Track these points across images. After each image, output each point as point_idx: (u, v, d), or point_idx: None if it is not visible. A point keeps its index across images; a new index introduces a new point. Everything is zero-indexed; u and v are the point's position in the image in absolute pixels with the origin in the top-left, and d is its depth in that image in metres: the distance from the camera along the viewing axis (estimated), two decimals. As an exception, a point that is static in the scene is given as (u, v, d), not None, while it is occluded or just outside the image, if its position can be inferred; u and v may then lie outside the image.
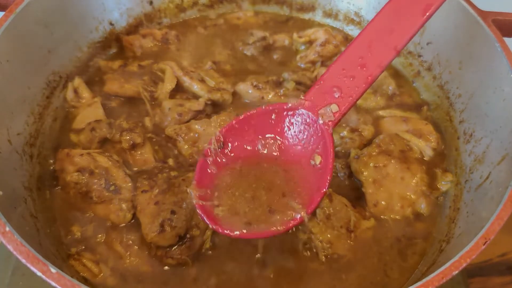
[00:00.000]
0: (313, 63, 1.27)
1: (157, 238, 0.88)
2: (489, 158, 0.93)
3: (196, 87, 1.14)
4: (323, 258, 0.90)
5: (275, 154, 0.86)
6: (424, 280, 0.66)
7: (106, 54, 1.29)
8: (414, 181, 0.99)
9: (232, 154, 0.87)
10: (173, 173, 1.00)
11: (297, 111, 0.84)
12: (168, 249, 0.89)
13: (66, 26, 1.14)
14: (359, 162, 1.01)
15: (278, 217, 0.80)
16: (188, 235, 0.90)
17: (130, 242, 0.92)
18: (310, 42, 1.32)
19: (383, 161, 1.00)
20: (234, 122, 0.88)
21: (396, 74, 1.29)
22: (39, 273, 0.65)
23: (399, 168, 0.99)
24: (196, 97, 1.14)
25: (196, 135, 1.05)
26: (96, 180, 0.96)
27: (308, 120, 0.84)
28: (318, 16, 1.44)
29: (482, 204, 0.88)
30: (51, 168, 1.03)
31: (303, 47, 1.33)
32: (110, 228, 0.94)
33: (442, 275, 0.67)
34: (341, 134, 1.07)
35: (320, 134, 0.83)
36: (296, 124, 0.85)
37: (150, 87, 1.15)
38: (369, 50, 0.82)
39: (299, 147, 0.86)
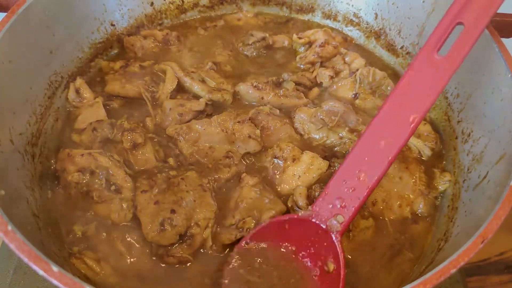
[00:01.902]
0: (313, 63, 1.28)
1: (158, 237, 0.89)
2: (487, 158, 0.94)
3: (196, 87, 1.14)
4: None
5: (289, 262, 0.90)
6: (422, 279, 0.66)
7: (107, 55, 1.30)
8: (412, 180, 1.00)
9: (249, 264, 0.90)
10: (172, 173, 1.00)
11: (308, 222, 0.89)
12: (169, 247, 0.90)
13: (68, 27, 1.14)
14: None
15: None
16: (188, 233, 0.90)
17: (131, 241, 0.92)
18: (309, 43, 1.32)
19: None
20: (249, 234, 0.91)
21: (395, 75, 1.30)
22: (41, 272, 0.65)
23: (398, 167, 1.00)
24: (196, 97, 1.14)
25: (197, 135, 1.06)
26: (97, 180, 0.97)
27: (318, 231, 0.88)
28: (317, 17, 1.45)
29: (480, 203, 0.88)
30: (53, 168, 1.03)
31: (302, 48, 1.33)
32: (111, 227, 0.94)
33: (440, 274, 0.67)
34: (340, 135, 1.08)
35: (330, 242, 0.87)
36: (307, 233, 0.90)
37: (151, 88, 1.15)
38: (364, 163, 0.87)
39: (310, 256, 0.90)
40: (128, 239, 0.93)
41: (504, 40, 0.98)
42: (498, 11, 1.01)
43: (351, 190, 0.87)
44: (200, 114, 1.11)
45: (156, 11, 1.37)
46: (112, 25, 1.29)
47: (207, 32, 1.38)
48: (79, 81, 1.16)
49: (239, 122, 1.06)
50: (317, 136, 1.10)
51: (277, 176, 1.02)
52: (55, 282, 0.64)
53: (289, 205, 0.97)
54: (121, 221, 0.94)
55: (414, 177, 1.00)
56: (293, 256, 0.90)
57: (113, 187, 0.96)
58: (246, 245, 0.90)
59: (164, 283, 0.89)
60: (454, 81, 1.12)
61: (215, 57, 1.29)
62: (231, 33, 1.38)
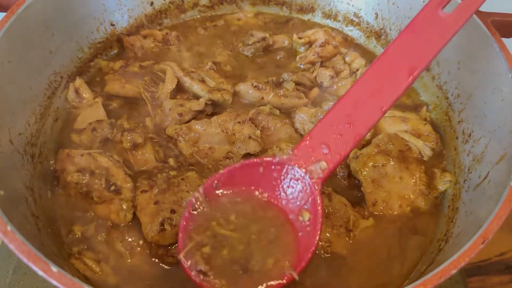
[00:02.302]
0: (313, 63, 1.28)
1: (158, 237, 0.88)
2: (487, 158, 0.94)
3: (196, 87, 1.14)
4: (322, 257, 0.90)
5: (262, 208, 0.84)
6: (422, 279, 0.66)
7: (107, 55, 1.30)
8: (413, 180, 0.99)
9: (217, 206, 0.85)
10: (172, 173, 1.00)
11: (286, 166, 0.83)
12: (169, 247, 0.90)
13: (67, 26, 1.14)
14: (358, 162, 1.02)
15: (265, 277, 0.77)
16: None
17: (131, 241, 0.92)
18: (309, 43, 1.32)
19: (382, 161, 1.00)
20: (219, 173, 0.86)
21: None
22: (40, 272, 0.65)
23: (398, 167, 1.00)
24: (196, 97, 1.14)
25: (197, 135, 1.05)
26: (96, 180, 0.96)
27: (297, 176, 0.83)
28: (317, 17, 1.45)
29: (481, 204, 0.88)
30: (52, 168, 1.03)
31: (302, 48, 1.33)
32: (111, 228, 0.94)
33: (441, 274, 0.67)
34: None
35: (308, 190, 0.82)
36: (284, 178, 0.84)
37: (151, 88, 1.15)
38: (355, 109, 0.81)
39: (288, 202, 0.84)
40: (128, 239, 0.92)
41: (504, 40, 0.97)
42: (498, 11, 1.02)
43: (338, 136, 0.81)
44: (199, 114, 1.11)
45: (156, 11, 1.37)
46: (112, 25, 1.29)
47: (207, 32, 1.38)
48: (78, 81, 1.16)
49: (239, 122, 1.06)
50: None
51: None
52: (54, 282, 0.64)
53: None
54: (121, 221, 0.94)
55: (414, 177, 1.00)
56: (268, 204, 0.84)
57: (112, 187, 0.96)
58: (215, 186, 0.84)
59: (164, 283, 0.88)
60: (455, 81, 1.12)
61: (215, 57, 1.29)
62: (231, 33, 1.38)
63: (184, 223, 0.82)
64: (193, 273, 0.77)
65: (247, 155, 1.05)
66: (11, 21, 0.94)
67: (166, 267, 0.90)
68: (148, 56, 1.28)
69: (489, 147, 0.94)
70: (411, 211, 0.99)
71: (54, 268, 0.65)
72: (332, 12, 1.42)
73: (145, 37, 1.30)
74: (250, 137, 1.04)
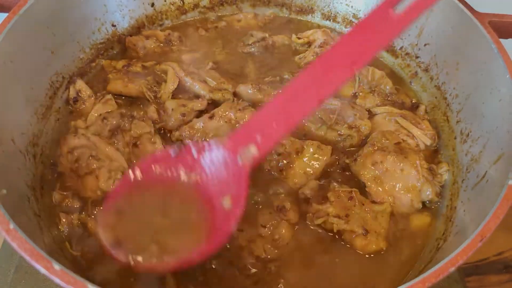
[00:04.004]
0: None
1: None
2: (485, 158, 0.94)
3: (197, 87, 1.15)
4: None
5: (188, 187, 0.85)
6: (420, 277, 0.67)
7: (108, 55, 1.30)
8: (414, 169, 0.99)
9: (147, 183, 0.86)
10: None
11: (217, 149, 0.84)
12: None
13: (69, 27, 1.15)
14: (357, 164, 1.02)
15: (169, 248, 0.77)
16: None
17: None
18: (308, 43, 1.33)
19: (380, 158, 1.00)
20: (156, 154, 0.88)
21: (393, 75, 1.30)
22: (43, 270, 0.65)
23: (397, 159, 0.99)
24: (198, 97, 1.15)
25: (201, 132, 1.06)
26: (86, 151, 0.97)
27: (227, 160, 0.83)
28: (317, 18, 1.46)
29: (479, 203, 0.89)
30: (51, 161, 1.04)
31: (302, 48, 1.34)
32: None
33: (439, 272, 0.68)
34: (339, 132, 1.08)
35: (237, 175, 0.82)
36: (214, 162, 0.85)
37: (154, 87, 1.16)
38: (294, 99, 0.82)
39: (214, 185, 0.84)
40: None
41: (502, 41, 0.98)
42: (497, 12, 1.03)
43: (273, 124, 0.81)
44: (201, 114, 1.12)
45: (157, 12, 1.38)
46: (113, 25, 1.29)
47: (208, 32, 1.38)
48: (80, 82, 1.16)
49: (239, 110, 1.07)
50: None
51: (284, 173, 1.02)
52: (57, 280, 0.64)
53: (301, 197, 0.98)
54: (108, 187, 0.94)
55: (415, 164, 0.99)
56: (195, 187, 0.85)
57: (101, 157, 0.96)
58: (150, 165, 0.85)
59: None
60: (453, 82, 1.13)
61: (215, 57, 1.30)
62: (231, 34, 1.39)
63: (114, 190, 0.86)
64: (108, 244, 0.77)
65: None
66: (12, 22, 0.94)
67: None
68: (150, 56, 1.28)
69: (487, 146, 0.95)
70: (419, 201, 0.99)
71: (57, 266, 0.65)
72: (331, 13, 1.43)
73: (147, 37, 1.30)
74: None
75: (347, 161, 1.05)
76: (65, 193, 0.97)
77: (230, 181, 0.82)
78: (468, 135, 1.04)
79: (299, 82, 0.83)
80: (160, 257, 0.76)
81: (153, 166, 0.86)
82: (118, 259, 0.75)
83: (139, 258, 0.75)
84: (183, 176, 0.85)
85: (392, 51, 1.33)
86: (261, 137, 0.81)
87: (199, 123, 1.06)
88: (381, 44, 0.83)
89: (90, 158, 0.96)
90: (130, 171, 0.85)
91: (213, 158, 0.84)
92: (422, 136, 1.08)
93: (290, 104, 0.82)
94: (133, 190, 0.84)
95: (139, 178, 0.85)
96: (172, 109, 1.10)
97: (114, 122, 1.04)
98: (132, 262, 0.75)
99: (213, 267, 0.90)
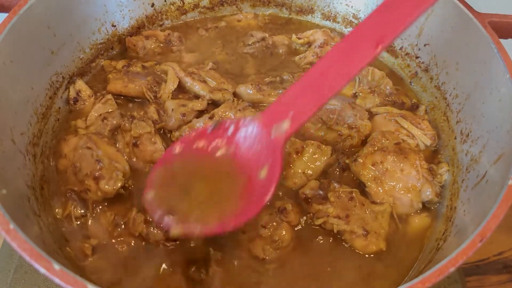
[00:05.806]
0: (312, 64, 1.28)
1: None
2: (485, 158, 0.94)
3: (197, 87, 1.15)
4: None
5: (226, 160, 0.89)
6: (420, 277, 0.67)
7: (108, 56, 1.30)
8: (414, 169, 0.99)
9: (187, 158, 0.91)
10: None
11: (252, 125, 0.88)
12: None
13: (69, 27, 1.15)
14: (357, 164, 1.02)
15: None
16: None
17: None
18: (308, 44, 1.33)
19: (380, 158, 1.00)
20: (197, 132, 0.92)
21: (393, 75, 1.30)
22: (43, 270, 0.65)
23: (397, 159, 1.00)
24: (198, 97, 1.15)
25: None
26: (86, 152, 0.97)
27: (261, 135, 0.87)
28: (317, 18, 1.46)
29: (479, 203, 0.89)
30: (51, 161, 1.04)
31: (302, 48, 1.34)
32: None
33: (439, 272, 0.68)
34: (339, 132, 1.08)
35: (271, 148, 0.85)
36: (249, 136, 0.88)
37: (154, 87, 1.16)
38: (323, 76, 0.84)
39: (250, 158, 0.88)
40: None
41: (502, 41, 0.98)
42: (497, 12, 1.03)
43: (304, 100, 0.84)
44: (201, 114, 1.12)
45: (157, 12, 1.38)
46: (113, 26, 1.29)
47: (208, 33, 1.39)
48: (80, 82, 1.17)
49: (239, 110, 1.07)
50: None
51: (284, 172, 1.02)
52: (57, 280, 0.64)
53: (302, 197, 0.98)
54: (110, 190, 0.95)
55: (415, 164, 0.99)
56: (232, 159, 0.89)
57: (102, 159, 0.96)
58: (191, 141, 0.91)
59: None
60: (453, 82, 1.13)
61: (215, 57, 1.30)
62: (231, 34, 1.39)
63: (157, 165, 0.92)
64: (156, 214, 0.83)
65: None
66: (13, 22, 0.95)
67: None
68: (150, 57, 1.28)
69: (487, 146, 0.95)
70: (419, 201, 0.99)
71: (56, 266, 0.65)
72: (331, 13, 1.43)
73: (147, 37, 1.31)
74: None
75: (347, 161, 1.05)
76: (65, 194, 0.97)
77: (265, 154, 0.86)
78: (468, 135, 1.04)
79: (328, 59, 0.85)
80: (202, 223, 0.81)
81: (193, 141, 0.91)
82: (164, 228, 0.82)
83: (184, 224, 0.80)
84: (221, 150, 0.89)
85: (392, 51, 1.33)
86: (293, 112, 0.84)
87: (199, 123, 1.06)
88: (409, 19, 0.81)
89: (90, 158, 0.96)
90: (175, 146, 0.91)
91: (248, 133, 0.88)
92: (422, 136, 1.08)
93: (320, 81, 0.84)
94: (177, 162, 0.90)
95: (181, 152, 0.90)
96: (172, 109, 1.10)
97: (114, 122, 1.05)
98: (179, 230, 0.80)
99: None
